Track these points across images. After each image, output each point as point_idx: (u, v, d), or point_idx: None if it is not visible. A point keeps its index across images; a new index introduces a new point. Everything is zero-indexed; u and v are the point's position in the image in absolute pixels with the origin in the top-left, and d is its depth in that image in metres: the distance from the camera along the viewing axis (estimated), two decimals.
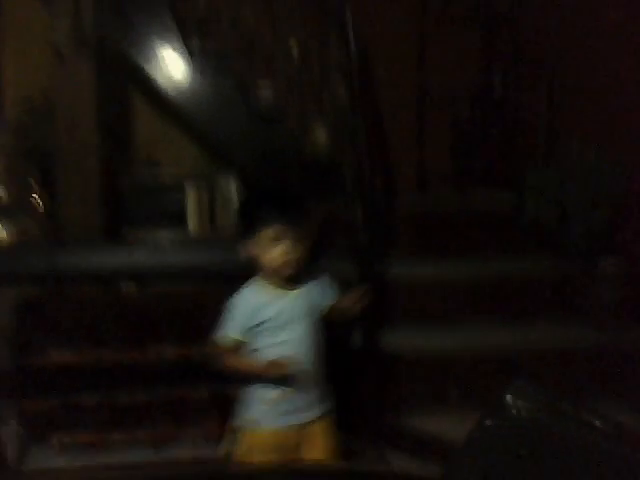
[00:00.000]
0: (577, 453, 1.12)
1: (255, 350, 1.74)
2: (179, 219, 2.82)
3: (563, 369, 2.52)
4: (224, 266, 2.47)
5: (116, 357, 2.37)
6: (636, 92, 2.68)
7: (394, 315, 2.61)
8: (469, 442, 1.24)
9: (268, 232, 1.69)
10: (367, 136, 2.74)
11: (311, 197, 2.91)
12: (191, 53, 2.77)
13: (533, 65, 3.31)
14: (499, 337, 2.62)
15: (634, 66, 2.68)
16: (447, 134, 3.69)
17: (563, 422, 1.15)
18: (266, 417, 1.74)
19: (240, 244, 1.78)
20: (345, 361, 2.48)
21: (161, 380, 2.41)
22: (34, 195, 2.69)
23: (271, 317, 1.72)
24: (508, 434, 1.18)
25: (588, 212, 2.72)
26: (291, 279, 1.75)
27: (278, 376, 1.67)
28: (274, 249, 1.69)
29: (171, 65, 2.75)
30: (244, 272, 2.43)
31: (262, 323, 1.72)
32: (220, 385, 2.42)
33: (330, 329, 2.44)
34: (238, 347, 1.74)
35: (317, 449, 1.77)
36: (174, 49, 2.76)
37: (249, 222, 1.75)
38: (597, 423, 1.13)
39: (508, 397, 1.18)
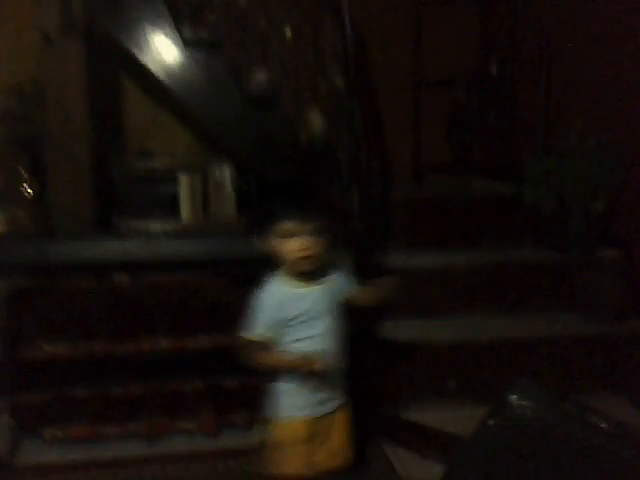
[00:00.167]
0: (580, 454, 1.12)
1: (282, 345, 1.75)
2: (172, 208, 2.77)
3: (560, 359, 2.51)
4: (218, 256, 2.44)
5: (109, 349, 2.34)
6: (637, 80, 2.63)
7: (390, 305, 2.58)
8: (472, 441, 1.23)
9: (285, 227, 1.69)
10: (363, 122, 2.70)
11: (306, 184, 2.90)
12: (184, 38, 2.72)
13: (532, 51, 3.26)
14: (496, 327, 2.60)
15: (635, 53, 2.63)
16: (444, 121, 3.65)
17: (567, 423, 1.14)
18: (296, 408, 1.76)
19: (259, 238, 1.77)
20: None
21: (155, 372, 2.39)
22: (24, 184, 2.64)
23: (297, 313, 1.72)
24: (511, 434, 1.18)
25: (587, 201, 2.70)
26: (312, 274, 1.75)
27: (308, 370, 1.68)
28: (292, 244, 1.69)
29: (163, 51, 2.71)
30: (239, 262, 2.42)
31: (288, 319, 1.72)
32: (215, 377, 2.41)
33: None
34: (266, 343, 1.74)
35: (338, 439, 1.83)
36: (166, 34, 2.71)
37: (267, 216, 1.75)
38: (601, 424, 1.12)
39: (512, 397, 1.18)
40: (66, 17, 2.48)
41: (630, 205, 2.68)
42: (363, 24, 3.11)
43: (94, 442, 2.34)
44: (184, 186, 2.86)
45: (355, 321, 2.34)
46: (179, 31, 2.70)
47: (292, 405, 1.77)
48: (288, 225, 1.69)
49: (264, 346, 1.74)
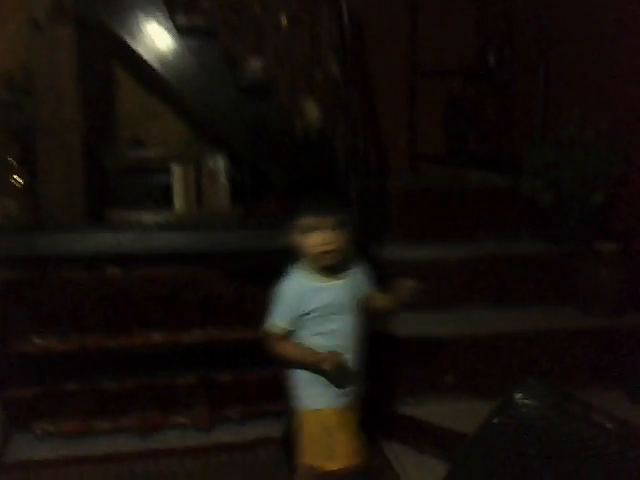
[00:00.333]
0: (585, 453, 1.12)
1: (302, 339, 1.74)
2: (165, 199, 2.73)
3: (557, 353, 2.49)
4: (212, 248, 2.41)
5: (101, 342, 2.32)
6: (636, 70, 2.60)
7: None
8: (476, 439, 1.24)
9: (307, 221, 1.68)
10: (360, 111, 2.67)
11: (303, 174, 2.87)
12: (177, 26, 2.67)
13: (529, 41, 3.22)
14: (493, 320, 2.58)
15: (634, 42, 2.60)
16: (441, 111, 3.62)
17: (572, 422, 1.14)
18: (320, 398, 1.75)
19: (283, 231, 1.76)
20: None
21: (148, 366, 2.37)
22: (15, 175, 2.59)
23: (318, 306, 1.72)
24: (516, 432, 1.18)
25: (585, 193, 2.67)
26: (334, 269, 1.74)
27: (329, 367, 1.66)
28: (314, 238, 1.68)
29: (156, 38, 2.66)
30: (233, 254, 2.39)
31: (310, 312, 1.72)
32: (208, 371, 2.38)
33: None
34: (287, 335, 1.74)
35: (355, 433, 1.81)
36: (159, 21, 2.66)
37: (290, 209, 1.75)
38: (606, 424, 1.11)
39: (517, 395, 1.18)
40: (56, 2, 2.42)
41: (629, 197, 2.66)
42: (360, 12, 3.07)
43: (86, 437, 2.32)
44: (177, 176, 2.81)
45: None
46: (172, 18, 2.66)
47: (316, 395, 1.76)
48: (310, 219, 1.68)
49: (285, 338, 1.73)
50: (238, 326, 2.39)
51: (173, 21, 2.66)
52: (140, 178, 2.83)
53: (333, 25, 2.76)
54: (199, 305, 2.38)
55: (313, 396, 1.76)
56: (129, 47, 2.64)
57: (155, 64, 2.68)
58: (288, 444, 2.24)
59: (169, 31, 2.67)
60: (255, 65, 2.76)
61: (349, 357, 1.74)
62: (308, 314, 1.72)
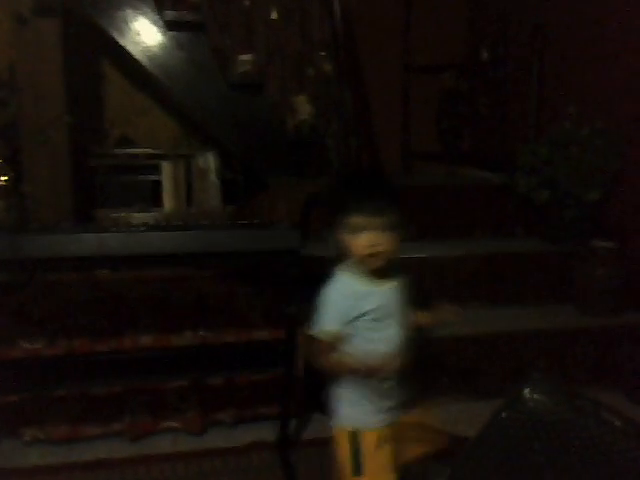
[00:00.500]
0: (593, 450, 1.10)
1: (350, 345, 1.64)
2: (154, 199, 2.68)
3: (555, 352, 2.48)
4: (203, 248, 2.36)
5: (90, 346, 2.26)
6: (632, 65, 2.58)
7: None
8: (483, 434, 1.23)
9: (355, 220, 1.57)
10: (353, 108, 2.63)
11: (294, 172, 2.83)
12: (165, 21, 2.62)
13: (524, 36, 3.19)
14: (489, 319, 2.56)
15: (630, 38, 2.57)
16: (435, 108, 3.59)
17: (581, 419, 1.13)
18: (363, 417, 1.66)
19: (331, 231, 1.66)
20: None
21: (138, 370, 2.32)
22: (0, 176, 2.53)
23: (367, 311, 1.62)
24: (523, 428, 1.16)
25: (581, 191, 2.65)
26: (381, 272, 1.64)
27: (384, 374, 1.59)
28: (361, 239, 1.58)
29: (144, 33, 2.62)
30: (225, 254, 2.35)
31: (358, 317, 1.62)
32: (200, 374, 2.34)
33: None
34: (336, 342, 1.63)
35: (417, 440, 1.74)
36: (147, 16, 2.62)
37: (338, 208, 1.64)
38: (615, 421, 1.10)
39: (525, 391, 1.17)
40: None
41: (625, 194, 2.64)
42: (352, 8, 3.03)
43: (75, 443, 2.26)
44: (167, 174, 2.77)
45: None
46: (161, 13, 2.61)
47: (362, 415, 1.66)
48: (358, 219, 1.57)
49: (332, 345, 1.63)
50: (230, 328, 2.34)
51: (161, 16, 2.61)
52: (129, 177, 2.78)
53: (325, 21, 2.72)
54: (190, 307, 2.34)
55: (354, 415, 1.67)
56: (117, 42, 2.60)
57: (143, 60, 2.64)
58: (282, 448, 2.21)
59: (157, 26, 2.63)
60: (245, 60, 2.72)
61: (400, 364, 1.63)
62: (356, 319, 1.62)
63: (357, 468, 1.66)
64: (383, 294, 1.64)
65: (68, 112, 2.56)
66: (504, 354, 2.43)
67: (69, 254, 2.26)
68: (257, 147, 2.84)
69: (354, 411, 1.67)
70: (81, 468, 2.16)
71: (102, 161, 2.79)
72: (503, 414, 1.19)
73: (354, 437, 1.66)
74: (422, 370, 2.27)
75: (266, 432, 2.29)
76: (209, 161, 2.85)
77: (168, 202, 2.72)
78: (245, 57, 2.74)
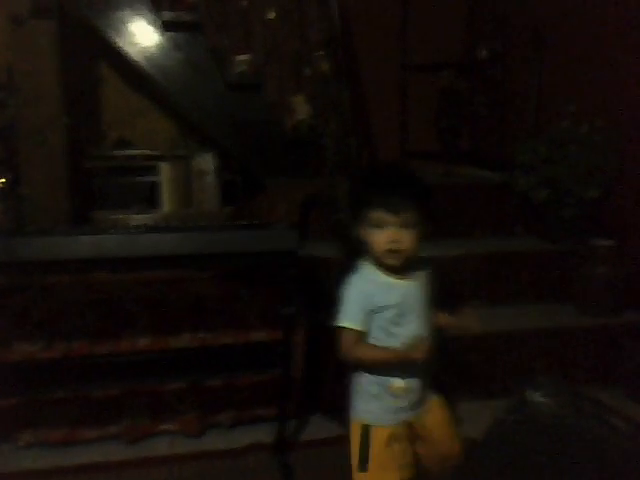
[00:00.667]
0: (597, 452, 1.11)
1: (373, 340, 1.63)
2: (152, 201, 2.68)
3: (555, 351, 2.46)
4: (201, 249, 2.35)
5: (87, 349, 2.25)
6: (630, 63, 2.56)
7: None
8: (488, 435, 1.25)
9: (376, 215, 1.57)
10: (351, 107, 2.62)
11: (292, 172, 2.82)
12: (163, 21, 2.62)
13: (522, 34, 3.17)
14: (489, 319, 2.54)
15: (629, 37, 2.56)
16: (433, 107, 3.57)
17: (585, 421, 1.13)
18: (382, 413, 1.65)
19: (353, 227, 1.66)
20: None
21: (136, 372, 2.30)
22: None
23: (389, 304, 1.61)
24: (528, 429, 1.18)
25: (580, 189, 2.63)
26: (401, 268, 1.63)
27: (421, 354, 1.56)
28: (382, 234, 1.57)
29: (141, 34, 2.61)
30: (223, 255, 2.34)
31: (380, 310, 1.61)
32: (198, 376, 2.33)
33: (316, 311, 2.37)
34: (362, 336, 1.62)
35: (436, 439, 1.69)
36: (145, 17, 2.61)
37: (359, 204, 1.63)
38: (619, 423, 1.10)
39: (530, 393, 1.17)
40: None
41: (625, 192, 2.62)
42: (349, 7, 3.02)
43: (72, 446, 2.25)
44: (164, 175, 2.77)
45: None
46: (158, 14, 2.61)
47: (377, 411, 1.65)
48: (379, 214, 1.56)
49: (360, 339, 1.62)
50: (228, 330, 2.33)
51: (158, 16, 2.61)
52: (127, 178, 2.77)
53: (322, 20, 2.71)
54: (188, 309, 2.32)
55: (372, 411, 1.66)
56: (114, 43, 2.59)
57: (140, 61, 2.64)
58: (280, 450, 2.20)
59: (154, 27, 2.62)
60: (243, 60, 2.71)
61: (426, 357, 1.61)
62: (377, 313, 1.61)
63: (363, 463, 1.65)
64: (404, 290, 1.63)
65: (65, 113, 2.55)
66: (503, 353, 2.42)
67: (67, 256, 2.25)
68: (255, 147, 2.83)
69: (369, 406, 1.67)
70: (78, 472, 2.15)
71: (100, 163, 2.79)
72: (508, 416, 1.21)
73: (365, 432, 1.66)
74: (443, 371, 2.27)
75: (264, 434, 2.28)
76: (207, 162, 2.84)
77: (166, 203, 2.71)
78: (242, 57, 2.74)
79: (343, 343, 1.63)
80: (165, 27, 2.64)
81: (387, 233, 1.56)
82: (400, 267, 1.61)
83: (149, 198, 2.71)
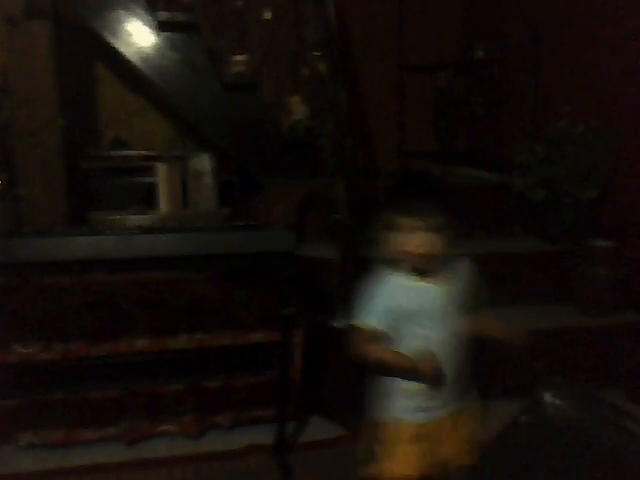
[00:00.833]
0: (613, 458, 1.09)
1: (393, 342, 1.64)
2: (149, 202, 2.67)
3: (555, 352, 2.46)
4: (199, 250, 2.34)
5: (85, 350, 2.24)
6: (627, 64, 2.56)
7: None
8: (501, 437, 1.23)
9: (404, 221, 1.58)
10: (348, 108, 2.61)
11: (289, 173, 2.82)
12: (158, 22, 2.61)
13: (519, 35, 3.17)
14: None
15: (625, 37, 2.56)
16: (430, 108, 3.58)
17: (602, 426, 1.12)
18: (405, 411, 1.66)
19: (379, 231, 1.66)
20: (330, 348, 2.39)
21: (134, 373, 2.29)
22: None
23: (411, 307, 1.62)
24: (542, 432, 1.16)
25: (577, 189, 2.64)
26: (428, 273, 1.64)
27: (424, 372, 1.57)
28: (408, 239, 1.58)
29: (137, 35, 2.60)
30: (221, 257, 2.33)
31: (402, 312, 1.62)
32: (197, 377, 2.32)
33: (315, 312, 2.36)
34: (377, 337, 1.63)
35: (456, 441, 1.69)
36: (140, 17, 2.60)
37: (386, 209, 1.64)
38: (636, 430, 1.10)
39: (545, 395, 1.16)
40: None
41: (622, 192, 2.62)
42: (346, 7, 3.02)
43: (71, 447, 2.25)
44: (162, 177, 2.76)
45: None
46: (153, 14, 2.60)
47: (400, 408, 1.66)
48: (407, 220, 1.58)
49: (374, 339, 1.63)
50: (226, 331, 2.32)
51: (154, 17, 2.60)
52: (123, 179, 2.77)
53: (319, 21, 2.70)
54: (186, 310, 2.32)
55: (395, 408, 1.67)
56: (110, 44, 2.58)
57: (137, 61, 2.63)
58: (279, 451, 2.20)
59: (150, 27, 2.61)
60: (239, 61, 2.70)
61: (446, 366, 1.62)
62: (401, 315, 1.62)
63: (373, 456, 1.68)
64: (429, 293, 1.64)
65: (61, 114, 2.54)
66: (503, 355, 2.41)
67: (64, 257, 2.24)
68: (252, 148, 2.82)
69: (386, 403, 1.68)
70: (77, 473, 2.14)
71: (96, 163, 2.78)
72: (522, 418, 1.18)
73: (380, 427, 1.68)
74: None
75: (263, 435, 2.28)
76: (204, 163, 2.84)
77: (163, 204, 2.70)
78: (239, 58, 2.73)
79: (356, 341, 1.64)
80: (161, 27, 2.63)
81: (415, 238, 1.58)
82: (426, 271, 1.63)
83: (146, 199, 2.70)
